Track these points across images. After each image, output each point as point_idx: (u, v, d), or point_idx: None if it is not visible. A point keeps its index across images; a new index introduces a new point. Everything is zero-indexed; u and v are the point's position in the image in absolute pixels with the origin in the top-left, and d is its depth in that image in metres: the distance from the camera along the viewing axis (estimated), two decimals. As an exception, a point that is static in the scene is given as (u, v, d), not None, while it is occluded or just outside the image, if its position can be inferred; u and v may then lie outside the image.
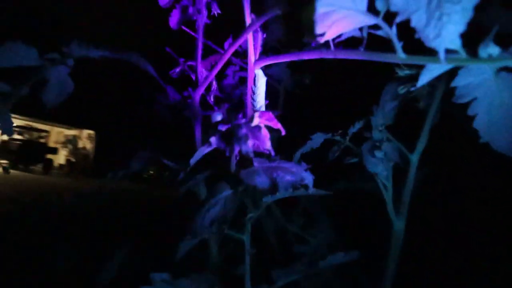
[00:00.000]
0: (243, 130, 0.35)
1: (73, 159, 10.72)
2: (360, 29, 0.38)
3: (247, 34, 0.42)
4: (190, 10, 0.58)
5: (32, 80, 0.39)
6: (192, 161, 0.40)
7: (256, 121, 0.36)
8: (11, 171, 8.51)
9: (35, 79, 0.39)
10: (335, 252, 0.57)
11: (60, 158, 10.87)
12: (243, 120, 0.38)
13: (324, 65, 0.92)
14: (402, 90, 0.46)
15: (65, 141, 11.29)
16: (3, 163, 9.24)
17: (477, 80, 0.33)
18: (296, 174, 0.40)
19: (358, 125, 0.52)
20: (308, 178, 0.41)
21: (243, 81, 0.88)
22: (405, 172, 0.50)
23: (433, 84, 0.49)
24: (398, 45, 0.32)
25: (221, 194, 0.45)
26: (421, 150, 0.49)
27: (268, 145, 0.41)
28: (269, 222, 0.71)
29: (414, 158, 0.49)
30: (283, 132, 0.45)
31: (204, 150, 0.40)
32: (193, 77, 0.61)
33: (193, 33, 0.63)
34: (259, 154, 0.50)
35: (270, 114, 0.37)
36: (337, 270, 0.66)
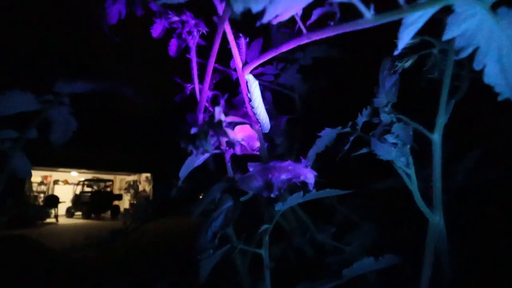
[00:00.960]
0: (204, 128, 0.33)
1: (136, 203, 11.56)
2: (331, 4, 0.35)
3: (219, 38, 0.42)
4: (183, 35, 0.60)
5: (35, 123, 0.43)
6: (181, 173, 0.39)
7: (218, 117, 0.34)
8: (85, 220, 9.46)
9: (37, 122, 0.43)
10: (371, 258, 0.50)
11: (125, 203, 11.81)
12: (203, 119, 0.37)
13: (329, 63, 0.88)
14: (404, 63, 0.41)
15: (127, 187, 12.31)
16: (78, 215, 10.33)
17: (473, 24, 0.28)
18: (292, 172, 0.37)
19: (366, 112, 0.47)
20: (308, 175, 0.38)
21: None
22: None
23: (443, 49, 0.43)
24: (362, 7, 0.28)
25: (224, 206, 0.43)
26: (442, 127, 0.42)
27: (256, 145, 0.39)
28: (297, 233, 0.66)
29: (436, 137, 0.42)
30: (265, 129, 0.43)
31: (192, 162, 0.39)
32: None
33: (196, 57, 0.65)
34: (256, 157, 0.48)
35: (244, 111, 0.35)
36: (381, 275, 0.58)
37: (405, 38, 0.29)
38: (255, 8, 0.24)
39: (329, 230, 0.64)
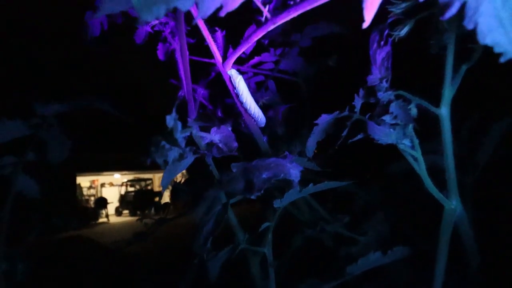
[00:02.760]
0: (157, 140, 0.31)
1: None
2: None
3: (182, 38, 0.39)
4: (168, 38, 0.58)
5: (31, 147, 0.44)
6: (163, 183, 0.38)
7: (170, 124, 0.32)
8: (132, 218, 10.11)
9: (32, 145, 0.44)
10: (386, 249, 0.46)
11: (166, 198, 12.42)
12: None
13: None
14: (399, 31, 0.36)
15: (166, 184, 12.90)
16: (125, 213, 11.08)
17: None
18: (275, 170, 0.34)
19: (362, 92, 0.42)
20: (292, 171, 0.35)
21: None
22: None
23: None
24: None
25: (214, 210, 0.42)
26: (449, 99, 0.36)
27: (234, 145, 0.36)
28: (310, 224, 0.63)
29: (444, 111, 0.36)
30: (260, 123, 0.40)
31: (173, 169, 0.38)
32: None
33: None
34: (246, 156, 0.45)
35: (209, 115, 0.33)
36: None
37: (371, 9, 0.25)
38: (183, 6, 0.21)
39: (342, 220, 0.60)
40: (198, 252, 0.42)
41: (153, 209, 10.87)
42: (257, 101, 0.81)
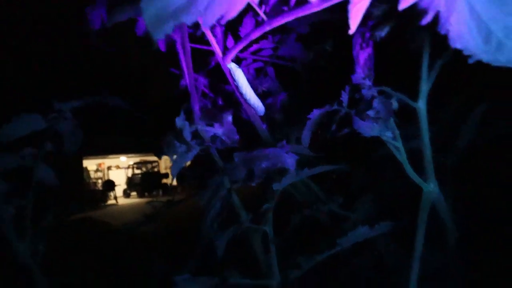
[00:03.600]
0: (169, 139, 0.36)
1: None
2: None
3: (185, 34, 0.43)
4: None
5: (48, 139, 0.49)
6: (173, 172, 0.43)
7: (179, 125, 0.37)
8: (140, 199, 10.38)
9: (49, 137, 0.49)
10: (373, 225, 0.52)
11: (173, 180, 12.63)
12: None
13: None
14: (380, 32, 0.39)
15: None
16: (133, 195, 11.34)
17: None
18: (273, 159, 0.39)
19: (348, 89, 0.46)
20: (288, 161, 0.40)
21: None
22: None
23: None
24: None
25: (220, 194, 0.47)
26: (426, 94, 0.40)
27: (235, 137, 0.41)
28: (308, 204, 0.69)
29: (421, 104, 0.41)
30: (259, 112, 0.44)
31: (181, 160, 0.43)
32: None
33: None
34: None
35: (212, 112, 0.37)
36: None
37: (356, 17, 0.28)
38: (188, 21, 0.25)
39: (336, 200, 0.66)
40: (206, 232, 0.48)
41: (160, 191, 11.12)
42: (256, 88, 0.85)
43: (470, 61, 0.27)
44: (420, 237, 0.42)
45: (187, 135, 0.36)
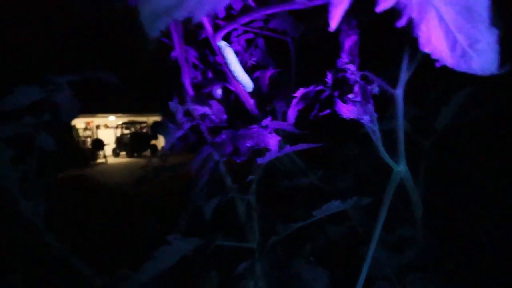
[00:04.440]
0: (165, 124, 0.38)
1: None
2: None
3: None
4: None
5: (47, 108, 0.51)
6: (166, 147, 0.46)
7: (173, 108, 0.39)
8: (129, 159, 10.44)
9: (48, 107, 0.50)
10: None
11: (161, 141, 12.68)
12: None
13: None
14: (365, 17, 0.41)
15: (161, 127, 13.03)
16: (122, 154, 11.38)
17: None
18: (256, 139, 0.43)
19: (332, 72, 0.48)
20: (271, 141, 0.43)
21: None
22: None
23: None
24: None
25: (208, 165, 0.51)
26: (404, 83, 0.43)
27: (223, 117, 0.43)
28: (290, 176, 0.74)
29: (399, 92, 0.44)
30: (248, 88, 0.47)
31: (174, 137, 0.46)
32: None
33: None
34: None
35: (203, 95, 0.40)
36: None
37: (336, 17, 0.30)
38: (180, 17, 0.27)
39: (316, 173, 0.71)
40: (195, 199, 0.53)
41: (149, 151, 11.16)
42: (246, 62, 0.86)
43: (437, 65, 0.29)
44: (384, 210, 0.48)
45: (180, 117, 0.39)
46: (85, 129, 12.22)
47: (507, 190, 0.68)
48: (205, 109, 0.45)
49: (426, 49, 0.30)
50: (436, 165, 0.69)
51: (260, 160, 0.54)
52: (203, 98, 0.46)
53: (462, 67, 0.29)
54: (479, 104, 0.65)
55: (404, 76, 0.43)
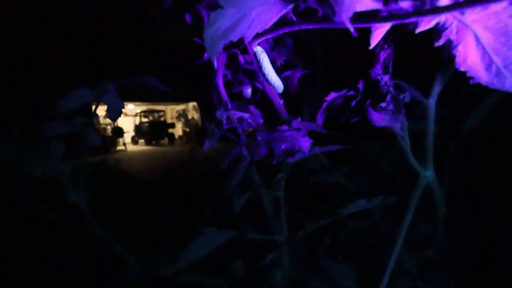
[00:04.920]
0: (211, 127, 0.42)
1: (187, 130, 12.53)
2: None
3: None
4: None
5: (96, 109, 0.56)
6: (205, 148, 0.50)
7: (219, 116, 0.42)
8: (148, 147, 10.72)
9: (96, 108, 0.55)
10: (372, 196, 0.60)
11: (178, 130, 12.91)
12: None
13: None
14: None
15: (178, 116, 13.25)
16: (141, 142, 11.68)
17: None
18: (290, 142, 0.46)
19: (366, 82, 0.50)
20: (304, 144, 0.46)
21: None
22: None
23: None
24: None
25: (241, 166, 0.54)
26: (436, 94, 0.44)
27: (260, 121, 0.47)
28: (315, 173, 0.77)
29: (431, 102, 0.45)
30: (278, 90, 0.50)
31: (213, 137, 0.49)
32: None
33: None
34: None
35: (243, 104, 0.43)
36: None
37: (376, 38, 0.33)
38: (235, 38, 0.30)
39: (342, 171, 0.73)
40: (228, 195, 0.57)
41: (167, 139, 11.40)
42: (274, 61, 0.88)
43: (471, 82, 0.31)
44: (410, 212, 0.50)
45: (224, 123, 0.42)
46: (105, 116, 12.55)
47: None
48: (243, 114, 0.48)
49: (462, 68, 0.32)
50: (461, 167, 0.70)
51: (290, 159, 0.57)
52: (240, 102, 0.49)
53: (496, 85, 0.31)
54: (508, 109, 0.65)
55: (437, 88, 0.44)
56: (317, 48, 0.88)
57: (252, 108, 0.48)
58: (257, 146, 0.48)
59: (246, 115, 0.47)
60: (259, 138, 0.49)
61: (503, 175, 0.72)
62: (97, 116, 0.57)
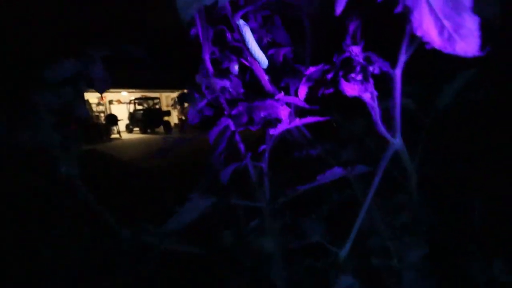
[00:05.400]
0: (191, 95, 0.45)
1: (183, 117, 12.45)
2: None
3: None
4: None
5: (83, 80, 0.58)
6: (190, 117, 0.52)
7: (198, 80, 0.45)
8: (143, 135, 10.67)
9: (84, 79, 0.57)
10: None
11: (174, 118, 12.84)
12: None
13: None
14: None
15: (173, 103, 13.14)
16: (136, 130, 11.61)
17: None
18: (269, 110, 0.49)
19: (339, 53, 0.53)
20: (282, 112, 0.49)
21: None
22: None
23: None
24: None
25: (225, 135, 0.58)
26: (402, 64, 0.47)
27: (240, 90, 0.49)
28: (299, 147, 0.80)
29: (397, 72, 0.48)
30: (263, 65, 0.53)
31: (198, 107, 0.52)
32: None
33: None
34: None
35: (223, 71, 0.46)
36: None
37: (341, 5, 0.35)
38: (208, 3, 0.32)
39: (323, 146, 0.77)
40: (214, 164, 0.60)
41: (162, 127, 11.34)
42: (262, 39, 0.90)
43: (427, 47, 0.34)
44: (378, 176, 0.54)
45: (204, 89, 0.45)
46: (98, 104, 12.38)
47: (501, 167, 0.73)
48: (225, 83, 0.51)
49: (418, 33, 0.35)
50: (436, 141, 0.74)
51: (272, 131, 0.60)
52: (222, 73, 0.51)
53: (448, 49, 0.34)
54: (482, 85, 0.69)
55: (402, 57, 0.47)
56: (305, 24, 0.89)
57: (232, 77, 0.51)
58: (239, 115, 0.51)
59: (228, 84, 0.49)
60: (240, 107, 0.52)
61: (476, 149, 0.76)
62: (84, 86, 0.59)
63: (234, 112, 0.53)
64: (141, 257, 0.74)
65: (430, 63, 0.70)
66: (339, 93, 0.68)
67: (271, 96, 0.60)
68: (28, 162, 0.68)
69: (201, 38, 0.66)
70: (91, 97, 11.79)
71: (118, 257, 0.70)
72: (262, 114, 0.48)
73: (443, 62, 0.74)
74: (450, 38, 0.33)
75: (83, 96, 0.62)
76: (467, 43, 0.33)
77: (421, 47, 0.50)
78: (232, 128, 0.58)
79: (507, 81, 0.71)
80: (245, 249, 0.65)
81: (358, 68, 0.48)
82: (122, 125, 11.18)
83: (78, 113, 0.63)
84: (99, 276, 0.74)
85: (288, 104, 0.56)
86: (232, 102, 0.52)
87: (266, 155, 0.67)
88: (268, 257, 0.63)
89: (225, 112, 0.54)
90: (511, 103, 0.74)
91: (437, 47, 0.34)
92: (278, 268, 0.62)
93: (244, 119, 0.50)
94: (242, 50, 0.71)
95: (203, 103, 0.53)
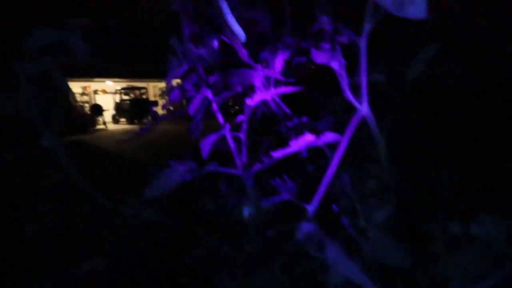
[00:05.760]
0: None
1: (171, 108, 12.25)
2: None
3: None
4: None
5: (61, 50, 0.59)
6: (167, 79, 0.55)
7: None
8: (129, 126, 10.50)
9: (62, 49, 0.59)
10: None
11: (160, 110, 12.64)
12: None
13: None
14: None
15: (161, 93, 12.93)
16: (123, 121, 11.42)
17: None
18: (243, 76, 0.52)
19: (314, 26, 0.56)
20: (256, 79, 0.52)
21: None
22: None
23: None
24: None
25: (203, 105, 0.60)
26: (367, 33, 0.51)
27: (216, 58, 0.52)
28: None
29: (362, 41, 0.52)
30: (241, 39, 0.55)
31: (176, 72, 0.54)
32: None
33: None
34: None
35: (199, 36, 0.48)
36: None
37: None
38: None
39: (301, 119, 0.80)
40: (192, 135, 0.62)
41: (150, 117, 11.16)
42: (240, 16, 0.92)
43: (383, 12, 0.38)
44: (344, 142, 0.58)
45: (179, 52, 0.47)
46: (82, 94, 12.07)
47: (469, 137, 0.79)
48: (200, 51, 0.53)
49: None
50: (405, 113, 0.78)
51: (248, 101, 0.63)
52: (197, 40, 0.54)
53: (400, 13, 0.37)
54: (450, 59, 0.73)
55: (367, 26, 0.51)
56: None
57: (209, 45, 0.53)
58: (215, 83, 0.53)
59: (203, 51, 0.52)
60: (216, 76, 0.54)
61: (444, 120, 0.82)
62: (62, 55, 0.60)
63: (211, 80, 0.55)
64: (122, 227, 0.76)
65: (398, 38, 0.74)
66: (318, 71, 0.72)
67: (249, 67, 0.63)
68: (10, 133, 0.69)
69: (180, 13, 0.67)
70: (75, 86, 11.48)
71: (98, 226, 0.73)
72: (236, 80, 0.51)
73: (411, 36, 0.78)
74: (401, 3, 0.36)
75: (62, 69, 0.64)
76: (415, 7, 0.36)
77: (388, 19, 0.54)
78: (210, 97, 0.61)
79: (472, 55, 0.76)
80: (225, 213, 0.68)
81: (326, 38, 0.51)
82: (107, 115, 10.96)
83: (57, 83, 0.64)
84: (80, 246, 0.77)
85: (267, 79, 0.59)
86: (209, 70, 0.54)
87: (244, 125, 0.70)
88: (246, 221, 0.67)
89: (203, 81, 0.57)
90: (476, 76, 0.79)
91: (390, 11, 0.38)
92: (255, 232, 0.66)
93: (220, 86, 0.53)
94: (221, 26, 0.73)
95: (181, 70, 0.55)
